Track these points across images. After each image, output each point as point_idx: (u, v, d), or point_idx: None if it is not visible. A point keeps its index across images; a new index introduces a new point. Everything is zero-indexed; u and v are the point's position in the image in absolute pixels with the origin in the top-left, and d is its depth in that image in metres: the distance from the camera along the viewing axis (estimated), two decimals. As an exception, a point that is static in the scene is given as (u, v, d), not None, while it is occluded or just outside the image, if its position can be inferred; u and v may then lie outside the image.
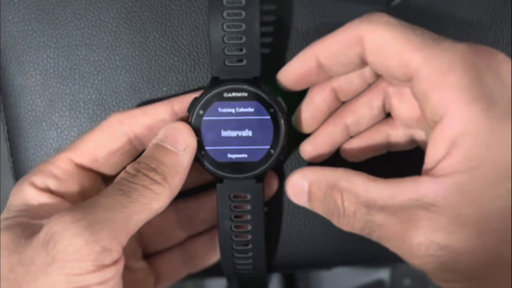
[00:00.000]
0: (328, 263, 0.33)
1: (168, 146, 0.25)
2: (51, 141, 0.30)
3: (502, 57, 0.23)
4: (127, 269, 0.29)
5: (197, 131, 0.26)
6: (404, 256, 0.23)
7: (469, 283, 0.22)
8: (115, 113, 0.27)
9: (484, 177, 0.21)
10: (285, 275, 0.75)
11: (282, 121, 0.26)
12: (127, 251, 0.29)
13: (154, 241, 0.31)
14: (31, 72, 0.30)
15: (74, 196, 0.27)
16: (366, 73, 0.27)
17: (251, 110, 0.26)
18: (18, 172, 0.31)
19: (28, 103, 0.30)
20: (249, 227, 0.28)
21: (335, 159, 0.30)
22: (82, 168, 0.27)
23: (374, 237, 0.24)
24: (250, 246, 0.28)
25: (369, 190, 0.24)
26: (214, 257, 0.32)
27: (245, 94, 0.26)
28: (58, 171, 0.26)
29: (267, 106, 0.26)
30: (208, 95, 0.26)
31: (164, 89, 0.30)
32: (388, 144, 0.29)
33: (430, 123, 0.24)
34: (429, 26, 0.27)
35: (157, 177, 0.25)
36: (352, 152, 0.30)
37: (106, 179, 0.29)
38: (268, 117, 0.26)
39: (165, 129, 0.26)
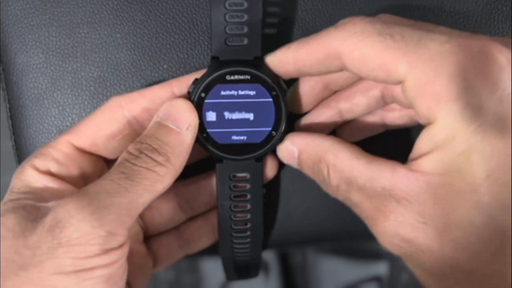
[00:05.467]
0: (323, 240, 0.33)
1: (170, 125, 0.25)
2: (53, 118, 0.31)
3: (494, 57, 0.22)
4: (129, 252, 0.29)
5: (199, 113, 0.26)
6: (374, 234, 0.24)
7: (427, 275, 0.23)
8: (115, 96, 0.27)
9: (454, 185, 0.21)
10: (284, 271, 0.75)
11: (284, 103, 0.27)
12: (130, 235, 0.29)
13: (155, 224, 0.31)
14: (33, 50, 0.30)
15: (75, 179, 0.27)
16: None
17: (253, 92, 0.26)
18: (20, 150, 0.31)
19: (30, 81, 0.30)
20: (248, 206, 0.28)
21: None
22: (83, 151, 0.27)
23: (353, 210, 0.25)
24: (248, 225, 0.29)
25: (351, 167, 0.24)
26: (209, 240, 0.32)
27: (248, 77, 0.26)
28: (58, 155, 0.26)
29: (269, 88, 0.26)
30: (210, 78, 0.26)
31: (165, 66, 0.31)
32: (385, 125, 0.29)
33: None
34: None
35: (160, 159, 0.25)
36: (347, 133, 0.30)
37: (108, 162, 0.29)
38: (270, 99, 0.27)
39: (166, 106, 0.26)
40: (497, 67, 0.22)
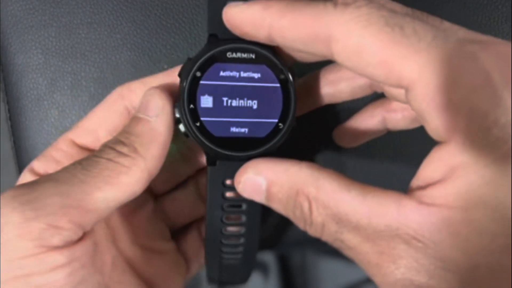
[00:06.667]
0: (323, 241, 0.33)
1: (140, 115, 0.23)
2: (52, 119, 0.31)
3: None
4: (155, 252, 0.27)
5: (192, 96, 0.22)
6: (377, 285, 0.20)
7: None
8: (118, 87, 0.25)
9: (480, 224, 0.17)
10: (283, 272, 0.75)
11: (293, 90, 0.23)
12: (153, 233, 0.27)
13: (178, 217, 0.29)
14: (33, 51, 0.30)
15: None
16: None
17: (257, 75, 0.22)
18: (19, 151, 0.31)
19: (30, 82, 0.30)
20: (243, 218, 0.25)
21: (327, 143, 0.30)
22: (86, 149, 0.26)
23: (345, 254, 0.21)
24: (241, 240, 0.25)
25: (340, 201, 0.20)
26: None
27: (252, 56, 0.22)
28: (59, 155, 0.25)
29: (276, 71, 0.22)
30: (208, 54, 0.22)
31: (165, 67, 0.30)
32: (385, 128, 0.27)
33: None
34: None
35: (124, 149, 0.22)
36: (345, 139, 0.28)
37: None
38: (278, 85, 0.23)
39: (141, 98, 0.23)
40: None
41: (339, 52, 0.19)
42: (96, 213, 0.21)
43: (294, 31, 0.20)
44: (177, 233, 0.30)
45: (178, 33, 0.30)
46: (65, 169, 0.21)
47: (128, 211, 0.27)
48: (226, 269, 0.27)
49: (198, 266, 0.30)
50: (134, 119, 0.23)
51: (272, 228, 0.33)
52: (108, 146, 0.22)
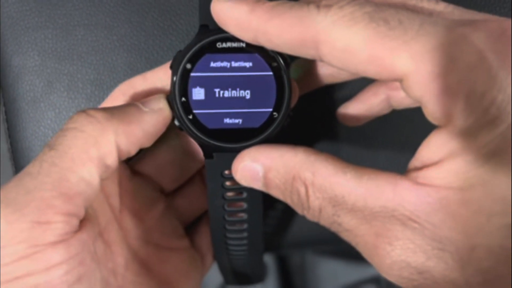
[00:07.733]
0: (322, 242, 0.33)
1: (136, 103, 0.22)
2: (49, 121, 0.30)
3: None
4: (170, 250, 0.27)
5: (183, 89, 0.22)
6: (375, 267, 0.20)
7: None
8: (120, 84, 0.25)
9: (478, 205, 0.17)
10: (282, 273, 0.75)
11: (287, 77, 0.22)
12: (166, 231, 0.27)
13: (190, 211, 0.29)
14: (29, 53, 0.30)
15: None
16: None
17: (249, 64, 0.22)
18: (16, 153, 0.31)
19: (26, 84, 0.30)
20: (245, 205, 0.25)
21: (332, 123, 0.30)
22: None
23: (343, 237, 0.21)
24: (245, 226, 0.26)
25: (336, 184, 0.20)
26: None
27: (243, 45, 0.22)
28: None
29: (269, 59, 0.22)
30: (198, 45, 0.22)
31: (162, 68, 0.30)
32: (390, 106, 0.27)
33: None
34: None
35: (99, 114, 0.20)
36: (349, 118, 0.28)
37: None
38: (270, 73, 0.22)
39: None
40: None
41: (327, 54, 0.19)
42: (81, 195, 0.20)
43: (280, 37, 0.20)
44: (189, 229, 0.30)
45: (175, 34, 0.30)
46: (36, 158, 0.20)
47: (140, 211, 0.27)
48: (235, 261, 0.28)
49: (212, 259, 0.29)
50: (128, 103, 0.23)
51: (270, 232, 0.33)
52: (82, 111, 0.21)
